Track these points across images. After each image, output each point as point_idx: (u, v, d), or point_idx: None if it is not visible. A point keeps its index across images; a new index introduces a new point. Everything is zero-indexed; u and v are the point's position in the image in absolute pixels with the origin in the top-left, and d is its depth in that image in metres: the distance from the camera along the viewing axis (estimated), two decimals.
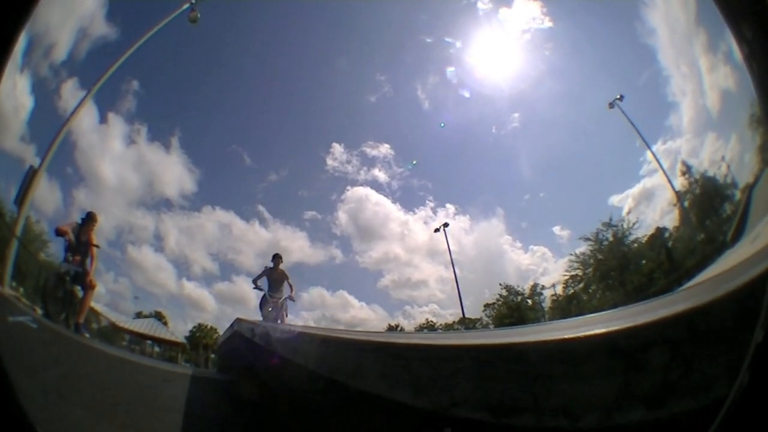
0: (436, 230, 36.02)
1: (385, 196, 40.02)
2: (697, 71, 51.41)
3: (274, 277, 13.03)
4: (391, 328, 34.29)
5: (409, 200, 48.68)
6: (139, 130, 29.44)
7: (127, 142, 29.26)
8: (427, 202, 40.88)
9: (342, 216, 38.46)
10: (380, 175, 39.68)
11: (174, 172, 31.65)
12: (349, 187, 39.00)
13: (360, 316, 36.57)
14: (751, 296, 1.62)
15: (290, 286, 12.93)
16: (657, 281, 35.82)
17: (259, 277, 13.13)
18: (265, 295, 12.82)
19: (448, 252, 35.83)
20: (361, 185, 39.87)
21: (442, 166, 49.54)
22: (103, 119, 27.01)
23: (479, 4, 40.76)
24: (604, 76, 60.98)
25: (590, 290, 40.51)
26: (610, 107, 36.42)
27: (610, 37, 64.75)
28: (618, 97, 36.68)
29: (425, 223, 40.21)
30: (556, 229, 45.70)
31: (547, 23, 44.80)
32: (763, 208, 23.36)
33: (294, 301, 12.91)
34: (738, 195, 33.52)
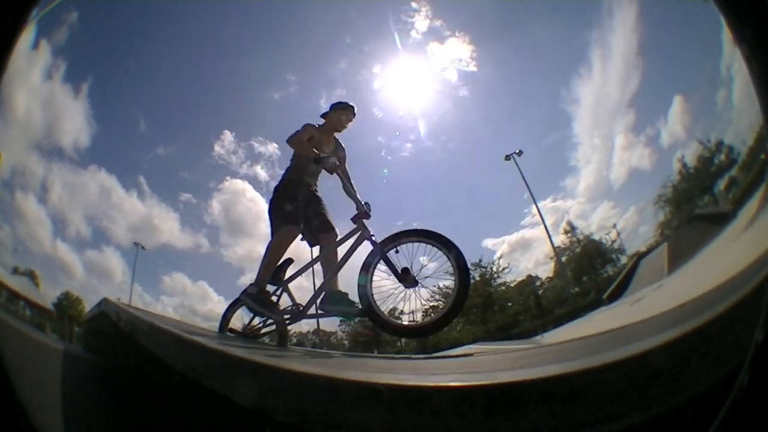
0: (303, 239, 36.82)
1: (261, 194, 39.27)
2: (610, 146, 52.44)
3: None
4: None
5: None
6: (60, 66, 27.47)
7: (45, 76, 27.29)
8: None
9: (216, 205, 37.63)
10: (261, 172, 39.10)
11: (75, 121, 29.65)
12: (228, 178, 38.08)
13: (217, 310, 34.60)
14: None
15: None
16: (522, 323, 39.99)
17: None
18: None
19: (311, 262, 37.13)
20: (241, 179, 39.00)
21: (325, 180, 49.54)
22: (36, 45, 25.81)
23: (412, 32, 41.60)
24: (512, 129, 62.34)
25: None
26: (506, 159, 37.15)
27: (532, 94, 64.86)
28: (516, 151, 37.25)
29: None
30: (423, 259, 46.96)
31: (472, 67, 46.17)
32: (650, 276, 24.70)
33: None
34: (624, 260, 39.48)
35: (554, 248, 43.68)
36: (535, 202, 41.93)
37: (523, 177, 41.81)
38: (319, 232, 5.73)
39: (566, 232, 46.37)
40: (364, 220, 5.61)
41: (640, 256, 34.60)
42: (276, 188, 5.78)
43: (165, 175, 39.78)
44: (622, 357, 1.77)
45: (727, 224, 25.64)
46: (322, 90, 45.36)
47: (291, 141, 5.60)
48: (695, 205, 44.03)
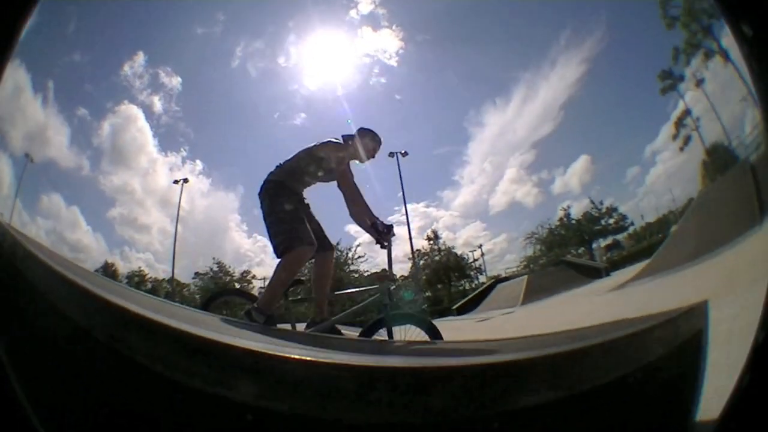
0: (176, 182, 37.75)
1: (150, 126, 40.94)
2: (499, 175, 54.89)
3: None
4: (107, 266, 35.18)
5: (168, 141, 48.20)
6: None
7: None
8: (182, 149, 43.09)
9: (106, 128, 38.48)
10: (158, 104, 40.88)
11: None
12: (126, 102, 39.46)
13: (84, 241, 36.96)
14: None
15: None
16: (370, 314, 39.84)
17: None
18: None
19: (178, 207, 37.75)
20: (138, 105, 40.84)
21: (213, 121, 53.37)
22: None
23: (351, 12, 44.62)
24: (409, 129, 63.93)
25: (298, 297, 41.55)
26: (390, 155, 38.89)
27: (441, 104, 68.27)
28: (402, 151, 40.35)
29: (171, 169, 41.76)
30: None
31: (393, 62, 47.67)
32: (503, 300, 27.84)
33: None
34: (482, 280, 45.15)
35: (413, 250, 45.76)
36: (405, 202, 43.51)
37: (400, 176, 42.27)
38: (319, 249, 5.12)
39: (429, 239, 50.71)
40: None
41: (498, 280, 38.44)
42: (274, 193, 5.01)
43: (71, 85, 40.82)
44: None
45: (596, 279, 29.23)
46: (243, 39, 47.98)
47: (349, 181, 5.17)
48: (567, 251, 46.83)
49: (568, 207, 53.17)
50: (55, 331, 1.55)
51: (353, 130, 5.55)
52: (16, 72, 28.33)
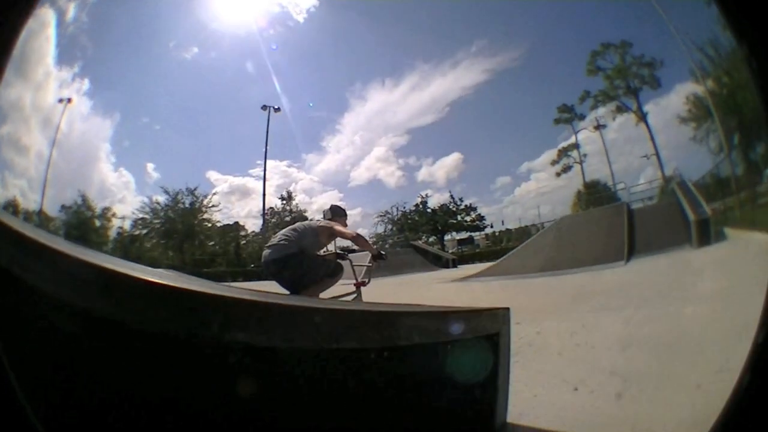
0: (60, 100, 36.64)
1: (60, 32, 38.79)
2: (368, 150, 64.57)
3: None
4: None
5: (66, 54, 44.38)
6: None
7: None
8: (75, 65, 41.05)
9: (23, 33, 36.63)
10: (71, 11, 39.40)
11: None
12: (47, 4, 37.18)
13: None
14: None
15: None
16: (217, 265, 43.34)
17: None
18: None
19: (56, 129, 37.51)
20: (54, 9, 38.22)
21: (114, 40, 49.74)
22: None
23: None
24: (290, 86, 64.50)
25: (153, 240, 44.72)
26: (263, 108, 44.02)
27: (329, 69, 71.50)
28: (275, 107, 44.68)
29: (60, 86, 39.55)
30: (150, 166, 50.59)
31: (300, 17, 54.06)
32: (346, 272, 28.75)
33: None
34: (330, 248, 45.82)
35: (264, 208, 48.33)
36: (266, 157, 46.14)
37: (267, 131, 45.06)
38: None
39: (283, 199, 52.44)
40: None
41: (347, 251, 37.41)
42: (302, 258, 6.76)
43: None
44: None
45: (442, 268, 31.29)
46: None
47: (352, 235, 7.43)
48: (418, 237, 49.56)
49: (427, 195, 56.03)
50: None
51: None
52: None
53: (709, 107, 26.95)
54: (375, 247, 8.63)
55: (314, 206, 52.94)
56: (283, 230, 6.87)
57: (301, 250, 6.75)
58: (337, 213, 7.77)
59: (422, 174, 67.50)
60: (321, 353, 1.92)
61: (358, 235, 7.60)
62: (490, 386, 2.66)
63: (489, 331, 2.70)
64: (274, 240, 6.71)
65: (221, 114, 69.51)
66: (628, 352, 4.63)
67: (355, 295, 7.43)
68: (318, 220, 7.44)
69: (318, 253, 7.43)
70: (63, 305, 1.60)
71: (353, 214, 74.49)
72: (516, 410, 2.96)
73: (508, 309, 2.84)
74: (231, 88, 69.27)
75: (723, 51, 25.47)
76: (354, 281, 7.51)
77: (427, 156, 74.86)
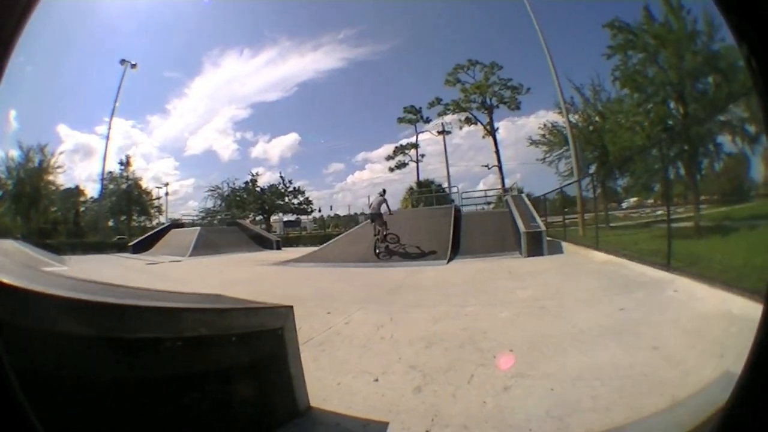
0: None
1: None
2: (208, 119, 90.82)
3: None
4: None
5: None
6: None
7: None
8: None
9: None
10: None
11: None
12: None
13: None
14: None
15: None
16: (58, 234, 42.20)
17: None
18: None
19: None
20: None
21: None
22: None
23: None
24: (149, 43, 74.13)
25: (5, 204, 42.84)
26: (120, 63, 44.30)
27: (192, 29, 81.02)
28: (132, 63, 45.72)
29: None
30: (12, 114, 48.20)
31: None
32: (171, 245, 30.73)
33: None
34: (162, 219, 50.46)
35: (103, 171, 46.85)
36: (112, 115, 45.84)
37: (119, 87, 45.30)
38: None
39: (122, 164, 51.53)
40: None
41: (174, 225, 39.49)
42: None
43: None
44: None
45: (266, 249, 32.19)
46: None
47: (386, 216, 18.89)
48: (245, 215, 51.36)
49: (257, 174, 57.06)
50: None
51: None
52: None
53: (566, 137, 28.94)
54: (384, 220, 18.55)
55: (150, 173, 51.06)
56: (373, 202, 19.32)
57: (378, 213, 18.46)
58: (384, 196, 18.89)
59: (257, 150, 67.28)
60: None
61: (388, 213, 18.86)
62: (284, 375, 3.02)
63: (273, 326, 3.05)
64: (373, 205, 19.04)
65: (82, 58, 63.89)
66: (424, 348, 4.96)
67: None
68: (381, 199, 18.74)
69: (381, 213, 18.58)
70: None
71: (186, 186, 72.16)
72: (320, 396, 3.33)
73: (291, 307, 3.21)
74: (101, 31, 64.20)
75: (603, 96, 28.61)
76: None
77: (265, 133, 74.36)
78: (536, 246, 15.09)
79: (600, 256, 13.10)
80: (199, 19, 69.68)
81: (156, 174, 61.83)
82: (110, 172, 47.87)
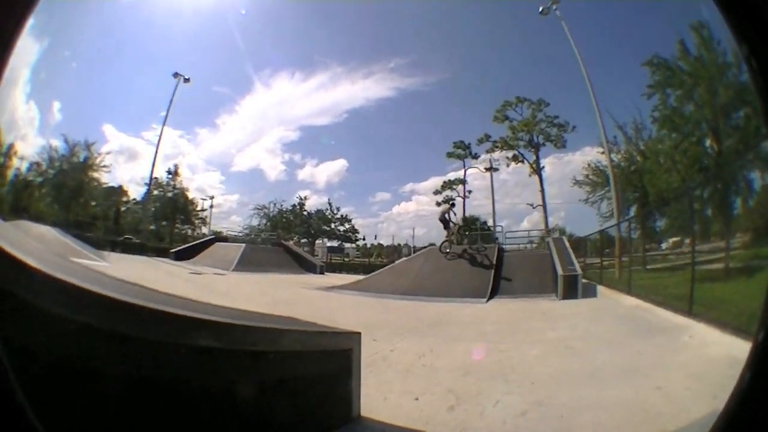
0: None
1: None
2: (257, 138, 76.11)
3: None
4: None
5: None
6: None
7: None
8: None
9: None
10: None
11: None
12: None
13: None
14: None
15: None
16: (96, 229, 41.85)
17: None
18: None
19: None
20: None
21: None
22: None
23: None
24: (202, 56, 71.16)
25: (43, 190, 42.34)
26: (174, 76, 42.73)
27: (247, 49, 70.64)
28: (186, 77, 43.68)
29: None
30: (56, 105, 49.25)
31: None
32: (221, 260, 29.12)
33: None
34: (204, 230, 50.79)
35: (151, 177, 47.18)
36: (164, 123, 44.86)
37: (171, 99, 44.04)
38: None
39: (170, 172, 51.10)
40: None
41: (218, 238, 39.25)
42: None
43: None
44: None
45: (310, 272, 32.19)
46: None
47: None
48: (291, 237, 50.38)
49: (305, 198, 56.93)
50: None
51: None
52: None
53: (608, 177, 29.45)
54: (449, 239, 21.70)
55: (195, 183, 52.06)
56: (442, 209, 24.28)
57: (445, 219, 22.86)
58: (450, 206, 24.82)
59: (304, 173, 67.65)
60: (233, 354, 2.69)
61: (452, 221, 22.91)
62: (347, 387, 3.82)
63: (346, 347, 3.98)
64: (441, 213, 23.35)
65: (135, 65, 66.03)
66: (460, 376, 5.75)
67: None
68: (447, 207, 24.55)
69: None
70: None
71: (231, 200, 73.53)
72: (369, 407, 3.98)
73: (359, 333, 4.18)
74: (155, 42, 66.34)
75: (645, 134, 28.66)
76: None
77: (313, 157, 75.38)
78: (572, 289, 15.56)
79: (630, 300, 13.53)
80: (250, 37, 71.27)
81: (200, 185, 62.82)
82: (156, 178, 48.38)
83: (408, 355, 6.81)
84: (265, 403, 2.95)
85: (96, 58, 55.70)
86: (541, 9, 32.66)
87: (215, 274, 23.63)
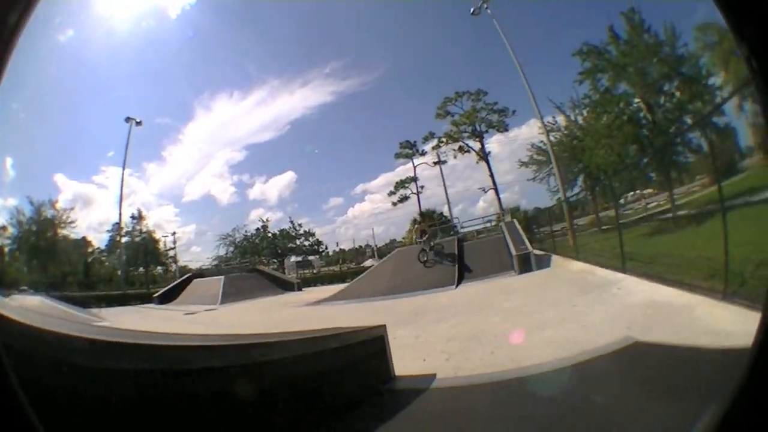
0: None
1: None
2: (204, 164, 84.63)
3: None
4: None
5: None
6: None
7: None
8: None
9: None
10: None
11: None
12: None
13: None
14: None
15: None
16: (70, 286, 41.17)
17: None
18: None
19: None
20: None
21: None
22: None
23: None
24: (153, 93, 73.03)
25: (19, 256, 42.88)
26: (126, 121, 42.60)
27: (180, 73, 75.19)
28: (138, 120, 44.16)
29: None
30: (8, 162, 46.53)
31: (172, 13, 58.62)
32: (202, 296, 30.53)
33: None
34: (173, 267, 51.37)
35: (120, 222, 46.60)
36: (124, 168, 44.33)
37: (127, 145, 43.76)
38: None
39: (134, 218, 51.90)
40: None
41: (194, 275, 39.58)
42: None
43: None
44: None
45: (289, 291, 33.88)
46: None
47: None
48: (260, 261, 51.25)
49: (267, 220, 58.61)
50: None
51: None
52: None
53: (549, 154, 31.61)
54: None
55: (151, 221, 51.80)
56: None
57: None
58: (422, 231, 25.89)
59: (254, 192, 67.38)
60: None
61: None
62: (386, 358, 6.29)
63: (380, 334, 6.53)
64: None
65: (79, 109, 65.01)
66: (448, 342, 8.29)
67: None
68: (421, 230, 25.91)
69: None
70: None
71: (187, 232, 73.62)
72: (397, 369, 6.39)
73: (384, 325, 6.74)
74: (92, 83, 65.54)
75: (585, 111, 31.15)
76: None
77: (261, 174, 76.11)
78: (526, 264, 18.30)
79: (578, 265, 16.21)
80: (185, 62, 70.87)
81: (157, 221, 63.10)
82: (117, 224, 48.05)
83: (407, 338, 9.20)
84: (336, 378, 4.89)
85: (37, 105, 54.31)
86: (472, 10, 34.10)
87: (207, 310, 24.89)
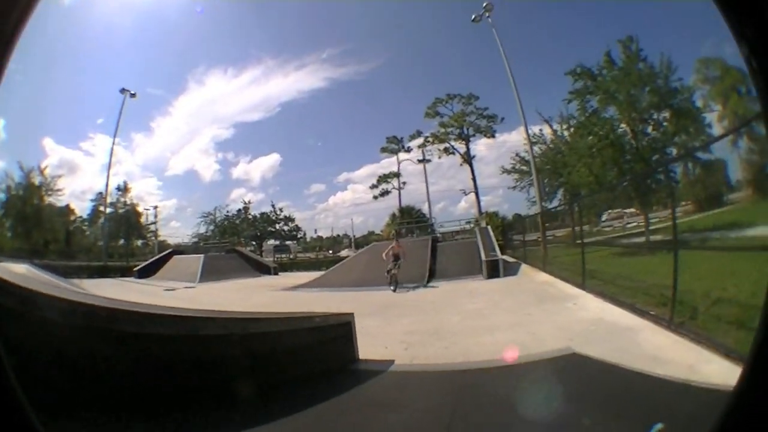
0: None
1: None
2: (190, 139, 73.75)
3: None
4: None
5: None
6: None
7: None
8: None
9: None
10: None
11: None
12: None
13: None
14: None
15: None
16: (50, 254, 39.57)
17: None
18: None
19: None
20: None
21: None
22: None
23: None
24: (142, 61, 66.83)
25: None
26: (120, 92, 41.80)
27: (179, 48, 71.24)
28: (132, 93, 43.19)
29: None
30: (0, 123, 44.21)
31: None
32: (182, 272, 30.71)
33: None
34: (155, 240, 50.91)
35: (106, 192, 45.35)
36: (115, 136, 43.43)
37: (119, 117, 43.08)
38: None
39: (119, 189, 50.14)
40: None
41: (175, 251, 39.06)
42: None
43: None
44: None
45: (266, 275, 33.69)
46: None
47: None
48: (240, 242, 50.94)
49: (249, 202, 57.38)
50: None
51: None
52: None
53: (531, 165, 32.12)
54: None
55: (133, 192, 50.76)
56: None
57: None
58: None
59: (238, 171, 65.69)
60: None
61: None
62: (351, 342, 7.15)
63: (348, 320, 7.31)
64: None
65: (68, 74, 63.43)
66: (409, 335, 9.07)
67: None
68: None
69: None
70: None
71: (168, 206, 72.77)
72: (362, 354, 7.15)
73: (353, 313, 7.43)
74: (88, 48, 63.70)
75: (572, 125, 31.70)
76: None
77: (246, 153, 75.17)
78: (494, 270, 18.99)
79: (543, 277, 17.06)
80: (184, 34, 69.69)
81: (139, 193, 61.87)
82: (101, 193, 46.94)
83: (373, 328, 9.90)
84: (309, 354, 5.77)
85: (36, 67, 54.17)
86: (473, 17, 34.28)
87: (186, 288, 25.09)
